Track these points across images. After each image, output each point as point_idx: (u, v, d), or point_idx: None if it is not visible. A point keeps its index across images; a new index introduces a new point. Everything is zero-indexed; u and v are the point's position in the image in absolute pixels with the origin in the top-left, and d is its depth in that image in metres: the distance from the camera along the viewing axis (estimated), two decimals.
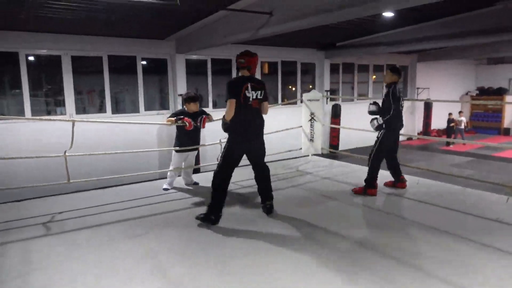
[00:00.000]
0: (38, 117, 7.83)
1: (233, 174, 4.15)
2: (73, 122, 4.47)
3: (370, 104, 5.02)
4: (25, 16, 6.24)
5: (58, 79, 8.32)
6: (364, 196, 4.87)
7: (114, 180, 5.67)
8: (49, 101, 8.69)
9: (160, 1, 5.37)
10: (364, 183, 4.95)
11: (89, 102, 9.28)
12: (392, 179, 5.28)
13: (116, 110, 9.20)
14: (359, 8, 4.85)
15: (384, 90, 5.06)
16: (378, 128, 4.89)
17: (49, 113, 8.46)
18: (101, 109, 9.01)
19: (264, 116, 4.23)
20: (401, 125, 4.99)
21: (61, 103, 8.48)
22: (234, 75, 10.47)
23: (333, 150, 7.54)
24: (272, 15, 5.99)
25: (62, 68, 8.17)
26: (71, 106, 8.33)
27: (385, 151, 4.96)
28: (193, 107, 5.17)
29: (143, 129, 8.69)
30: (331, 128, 11.87)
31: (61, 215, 4.36)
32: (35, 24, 7.06)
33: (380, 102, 4.97)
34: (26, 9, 5.89)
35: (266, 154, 4.36)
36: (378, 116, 4.88)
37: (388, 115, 4.73)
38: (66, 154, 4.50)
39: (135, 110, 9.42)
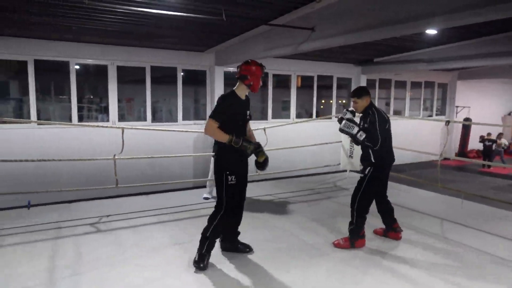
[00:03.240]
0: (91, 124, 8.24)
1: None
2: (123, 129, 4.67)
3: (347, 110, 4.01)
4: (76, 27, 6.60)
5: (102, 87, 8.71)
6: (351, 249, 3.87)
7: (155, 187, 5.84)
8: (92, 108, 9.09)
9: (208, 16, 5.55)
10: (348, 234, 3.96)
11: (129, 111, 9.63)
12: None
13: (155, 119, 9.49)
14: (402, 26, 4.82)
15: (363, 118, 3.97)
16: (352, 135, 3.79)
17: (90, 120, 8.85)
18: (141, 117, 9.32)
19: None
20: (393, 159, 3.99)
21: (103, 110, 8.85)
22: (270, 88, 10.58)
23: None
24: (314, 30, 6.05)
25: (108, 77, 8.53)
26: (114, 114, 8.66)
27: (378, 191, 4.03)
28: None
29: (181, 139, 8.90)
30: None
31: (109, 218, 4.54)
32: (85, 36, 7.44)
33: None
34: (77, 22, 6.23)
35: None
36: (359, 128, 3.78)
37: (377, 145, 3.67)
38: (115, 157, 4.69)
39: (173, 119, 9.67)
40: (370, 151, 3.80)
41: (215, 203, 3.48)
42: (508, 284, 3.18)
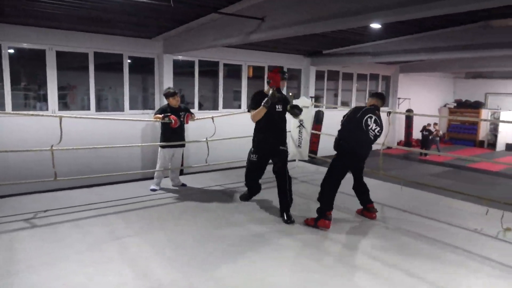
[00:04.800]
0: (25, 112, 7.60)
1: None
2: (60, 118, 4.40)
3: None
4: (11, 8, 6.08)
5: (41, 74, 8.13)
6: (315, 228, 4.14)
7: (99, 179, 5.59)
8: (29, 96, 8.47)
9: (155, 1, 5.34)
10: (316, 214, 4.23)
11: (72, 99, 9.09)
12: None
13: (99, 108, 9.05)
14: (348, 19, 4.94)
15: None
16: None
17: (27, 109, 8.25)
18: (84, 106, 8.85)
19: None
20: (363, 153, 4.35)
21: (43, 99, 8.29)
22: (221, 78, 10.50)
23: (312, 155, 7.75)
24: (264, 21, 6.04)
25: (46, 63, 7.97)
26: (54, 102, 8.13)
27: (340, 177, 4.28)
28: (174, 101, 5.47)
29: (128, 129, 8.57)
30: (312, 134, 11.98)
31: (48, 213, 4.27)
32: (21, 17, 6.89)
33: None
34: (13, 2, 5.74)
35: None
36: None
37: (341, 135, 4.21)
38: (53, 148, 4.41)
39: (119, 108, 9.28)
40: (337, 140, 4.28)
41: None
42: (439, 263, 3.43)
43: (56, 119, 4.52)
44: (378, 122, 4.22)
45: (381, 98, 4.48)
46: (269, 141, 4.57)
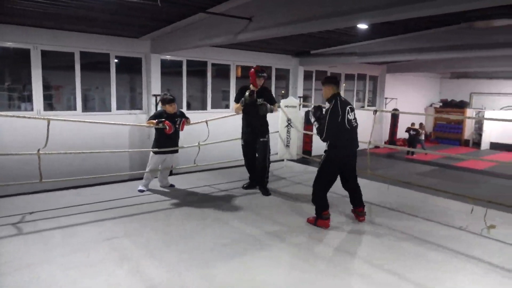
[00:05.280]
0: (11, 113, 7.43)
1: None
2: (48, 120, 4.32)
3: (314, 106, 4.42)
4: (5, 8, 5.97)
5: (25, 74, 7.98)
6: (316, 227, 4.26)
7: (85, 180, 5.52)
8: (14, 96, 8.31)
9: (142, 0, 5.29)
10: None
11: (57, 99, 8.96)
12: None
13: (86, 108, 8.94)
14: (335, 19, 4.98)
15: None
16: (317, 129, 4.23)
17: (12, 109, 8.10)
18: (71, 106, 8.73)
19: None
20: (350, 152, 4.32)
21: (27, 99, 8.14)
22: (209, 77, 10.48)
23: (306, 156, 7.84)
24: (251, 21, 6.04)
25: (30, 63, 7.84)
26: (39, 103, 8.00)
27: (330, 179, 4.31)
28: (170, 108, 5.28)
29: (115, 129, 8.48)
30: (304, 134, 12.08)
31: (33, 215, 4.21)
32: (4, 16, 6.76)
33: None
34: (7, 2, 5.64)
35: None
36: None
37: (322, 137, 4.14)
38: (40, 152, 4.34)
39: (106, 108, 9.18)
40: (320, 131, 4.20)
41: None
42: (424, 260, 3.48)
43: (43, 120, 4.44)
44: (353, 108, 4.23)
45: (336, 83, 4.32)
46: (248, 131, 5.36)
